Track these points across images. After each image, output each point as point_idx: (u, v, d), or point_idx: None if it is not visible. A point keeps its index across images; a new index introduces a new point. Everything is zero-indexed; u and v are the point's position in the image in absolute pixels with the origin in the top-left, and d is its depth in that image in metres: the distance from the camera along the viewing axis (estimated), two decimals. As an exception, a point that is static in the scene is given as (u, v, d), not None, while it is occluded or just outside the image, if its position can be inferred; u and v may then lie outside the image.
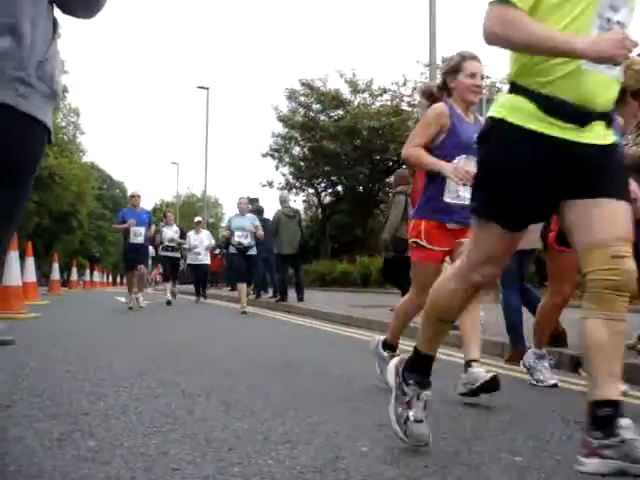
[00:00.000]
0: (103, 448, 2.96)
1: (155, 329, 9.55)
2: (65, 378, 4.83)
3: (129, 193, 14.86)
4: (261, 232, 13.82)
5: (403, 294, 11.37)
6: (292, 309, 13.64)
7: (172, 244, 17.41)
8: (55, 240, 50.41)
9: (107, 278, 50.23)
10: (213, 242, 19.50)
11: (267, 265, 16.55)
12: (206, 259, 18.55)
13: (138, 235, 14.17)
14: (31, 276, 15.70)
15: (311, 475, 2.64)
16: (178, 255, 18.24)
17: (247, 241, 13.78)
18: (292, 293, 15.19)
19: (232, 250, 14.10)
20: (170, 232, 17.49)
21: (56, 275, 23.27)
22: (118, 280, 59.53)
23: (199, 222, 19.15)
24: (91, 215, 60.62)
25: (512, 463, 2.89)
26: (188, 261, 18.97)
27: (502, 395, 4.44)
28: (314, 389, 4.70)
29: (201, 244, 18.05)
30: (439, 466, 2.80)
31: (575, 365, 5.75)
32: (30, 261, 15.87)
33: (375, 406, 4.06)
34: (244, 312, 13.11)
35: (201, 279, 19.14)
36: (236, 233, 13.72)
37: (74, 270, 30.55)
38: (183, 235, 18.15)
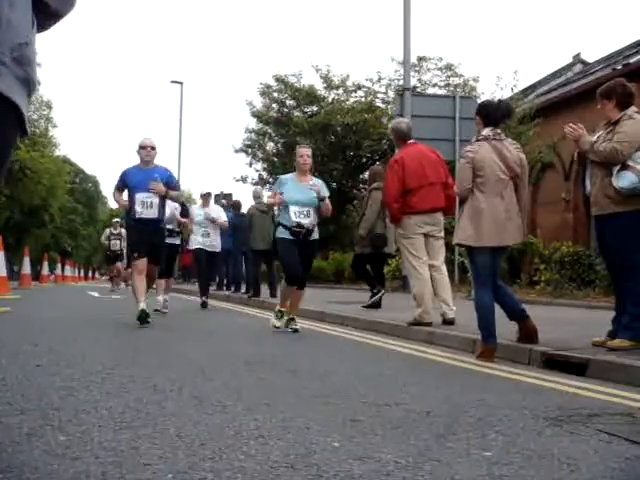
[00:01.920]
0: (73, 443, 2.94)
1: (127, 324, 9.49)
2: (35, 373, 4.79)
3: (139, 143, 9.38)
4: (329, 206, 8.92)
5: (372, 289, 11.42)
6: (265, 305, 13.62)
7: (170, 226, 11.83)
8: (26, 234, 49.92)
9: (79, 272, 49.83)
10: (225, 221, 13.95)
11: (247, 260, 16.44)
12: (217, 244, 13.68)
13: (148, 206, 9.07)
14: (1, 270, 15.59)
15: (283, 470, 2.64)
16: (177, 242, 12.87)
17: (309, 221, 8.56)
18: (264, 289, 15.17)
19: (282, 234, 8.61)
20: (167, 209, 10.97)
21: (27, 269, 23.07)
22: (90, 275, 59.21)
23: (207, 194, 13.94)
24: (63, 209, 60.13)
25: (482, 458, 2.90)
26: (192, 245, 13.66)
27: (473, 392, 4.46)
28: (286, 384, 4.69)
29: (209, 224, 13.40)
30: (410, 461, 2.81)
31: (546, 361, 5.80)
32: (0, 255, 15.74)
33: (347, 401, 4.07)
34: (294, 329, 8.59)
35: (207, 273, 14.01)
36: (292, 208, 8.50)
37: (45, 264, 30.29)
38: (185, 213, 12.82)
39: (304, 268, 8.66)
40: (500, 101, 6.93)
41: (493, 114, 6.36)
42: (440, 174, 8.36)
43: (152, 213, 9.07)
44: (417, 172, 8.21)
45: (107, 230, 24.29)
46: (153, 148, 9.35)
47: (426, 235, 8.26)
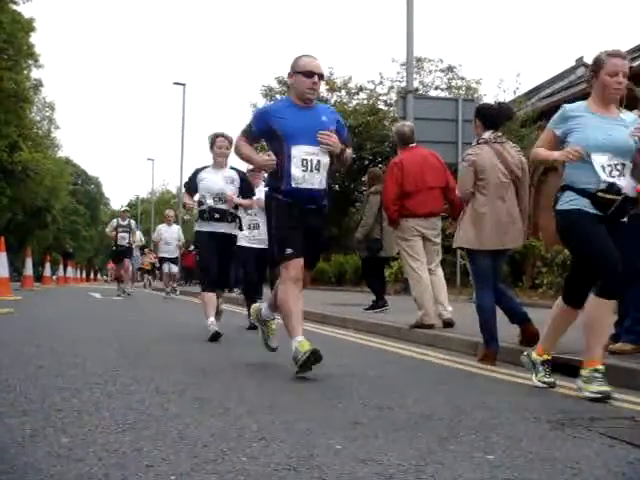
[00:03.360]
0: (76, 445, 2.94)
1: (129, 325, 9.50)
2: (38, 374, 4.80)
3: (297, 66, 5.37)
4: None
5: (377, 297, 11.34)
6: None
7: (223, 206, 8.01)
8: (28, 235, 50.00)
9: (81, 274, 49.83)
10: None
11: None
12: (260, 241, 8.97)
13: (313, 167, 5.37)
14: (4, 271, 15.57)
15: (285, 472, 2.64)
16: (236, 231, 8.41)
17: (627, 184, 4.80)
18: (266, 291, 15.14)
19: (577, 204, 4.85)
20: (218, 179, 8.06)
21: (29, 270, 23.05)
22: (92, 276, 59.24)
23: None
24: (65, 210, 60.25)
25: (485, 461, 2.90)
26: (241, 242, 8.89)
27: (476, 395, 4.47)
28: (288, 386, 4.69)
29: (260, 211, 8.51)
30: (412, 464, 2.81)
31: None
32: (3, 256, 15.74)
33: (349, 404, 4.07)
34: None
35: (258, 277, 9.63)
36: (597, 159, 4.74)
37: (47, 265, 30.28)
38: (247, 190, 8.40)
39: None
40: (500, 104, 6.92)
41: (493, 117, 6.35)
42: (441, 179, 8.33)
43: (317, 181, 5.34)
44: (416, 176, 8.19)
45: (114, 221, 20.72)
46: (322, 77, 5.42)
47: (423, 238, 8.24)
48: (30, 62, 40.41)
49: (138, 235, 21.23)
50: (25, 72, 40.29)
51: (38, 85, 45.13)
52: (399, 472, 2.70)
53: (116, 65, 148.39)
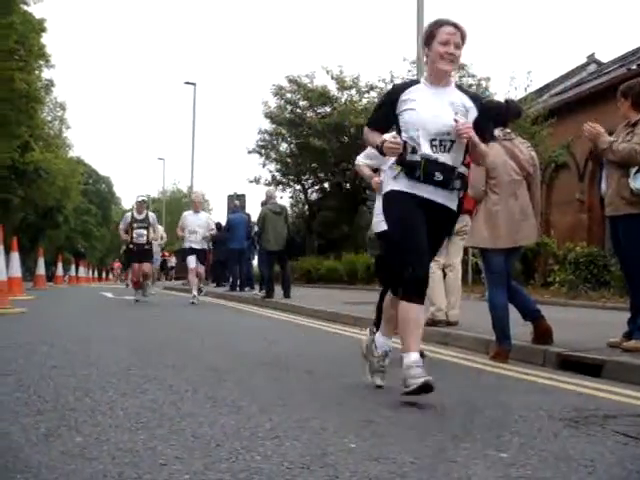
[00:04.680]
0: (90, 444, 2.95)
1: (142, 324, 9.52)
2: (51, 374, 4.81)
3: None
4: None
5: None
6: (278, 305, 13.62)
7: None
8: (40, 235, 50.22)
9: (92, 273, 49.96)
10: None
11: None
12: None
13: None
14: (16, 271, 15.63)
15: (299, 471, 2.64)
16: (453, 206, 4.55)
17: None
18: (278, 289, 15.17)
19: None
20: None
21: (41, 270, 23.12)
22: (103, 276, 59.41)
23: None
24: (77, 210, 60.45)
25: (498, 459, 2.90)
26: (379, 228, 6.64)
27: (489, 393, 4.46)
28: (301, 385, 4.70)
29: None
30: (426, 462, 2.81)
31: (561, 362, 5.78)
32: (15, 256, 15.79)
33: (362, 402, 4.07)
34: None
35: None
36: None
37: (59, 265, 30.38)
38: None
39: None
40: (507, 101, 6.90)
41: (501, 114, 6.32)
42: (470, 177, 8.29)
43: None
44: None
45: (127, 215, 16.37)
46: None
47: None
48: (41, 62, 40.56)
49: (160, 230, 18.44)
50: (36, 72, 40.43)
51: (49, 85, 45.38)
52: (412, 470, 2.70)
53: (127, 65, 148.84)
